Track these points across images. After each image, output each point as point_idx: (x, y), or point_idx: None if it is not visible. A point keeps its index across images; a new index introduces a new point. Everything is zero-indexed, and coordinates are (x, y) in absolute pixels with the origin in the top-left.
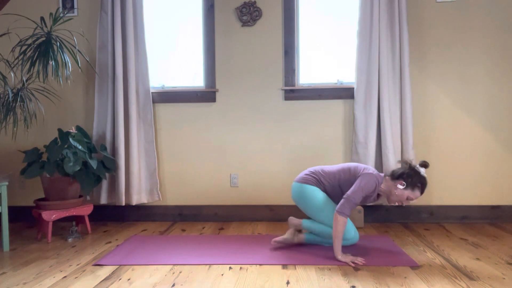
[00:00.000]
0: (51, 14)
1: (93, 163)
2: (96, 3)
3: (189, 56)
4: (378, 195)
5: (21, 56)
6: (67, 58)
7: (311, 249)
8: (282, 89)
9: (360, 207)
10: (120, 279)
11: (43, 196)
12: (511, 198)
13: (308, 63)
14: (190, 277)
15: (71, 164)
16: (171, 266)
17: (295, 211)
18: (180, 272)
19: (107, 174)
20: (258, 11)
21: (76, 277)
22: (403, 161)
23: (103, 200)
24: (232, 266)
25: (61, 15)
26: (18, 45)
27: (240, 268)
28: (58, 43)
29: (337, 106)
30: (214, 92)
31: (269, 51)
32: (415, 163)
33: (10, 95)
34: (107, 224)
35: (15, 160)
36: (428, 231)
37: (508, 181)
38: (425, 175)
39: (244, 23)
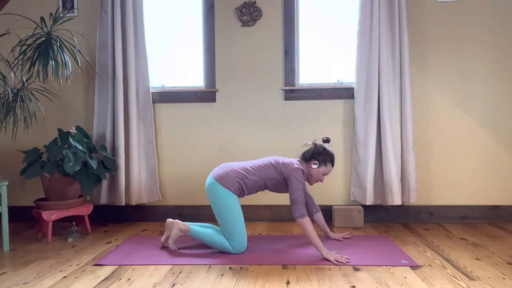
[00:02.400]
0: (51, 14)
1: (93, 163)
2: (96, 3)
3: (189, 56)
4: None
5: (21, 56)
6: (67, 58)
7: (311, 249)
8: (282, 89)
9: (360, 207)
10: (120, 279)
11: (43, 196)
12: (511, 198)
13: (308, 63)
14: (190, 277)
15: (71, 164)
16: (171, 266)
17: None
18: (180, 272)
19: (107, 174)
20: (258, 11)
21: (76, 277)
22: (309, 144)
23: (103, 200)
24: (232, 266)
25: (61, 15)
26: (18, 45)
27: (240, 268)
28: (58, 43)
29: (337, 106)
30: (214, 92)
31: (269, 51)
32: (319, 141)
33: (10, 95)
34: (107, 224)
35: (15, 160)
36: (428, 231)
37: (508, 181)
38: (330, 151)
39: (244, 23)
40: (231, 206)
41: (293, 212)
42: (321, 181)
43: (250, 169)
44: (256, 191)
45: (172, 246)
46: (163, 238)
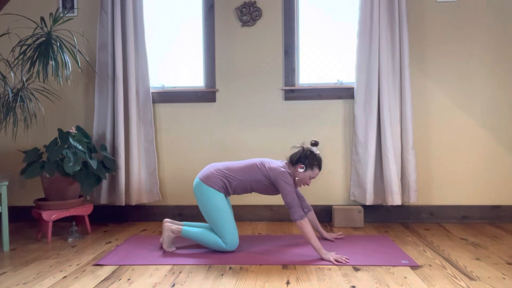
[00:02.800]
0: (51, 14)
1: (93, 163)
2: (96, 3)
3: (189, 56)
4: None
5: (21, 56)
6: (67, 58)
7: (311, 249)
8: (282, 89)
9: (360, 207)
10: (120, 279)
11: (43, 196)
12: (511, 198)
13: (308, 63)
14: (190, 277)
15: (71, 164)
16: (171, 266)
17: None
18: (180, 272)
19: (107, 174)
20: (258, 11)
21: (76, 277)
22: (297, 147)
23: (103, 200)
24: (232, 266)
25: (61, 15)
26: (18, 45)
27: (240, 268)
28: (58, 43)
29: (337, 106)
30: (214, 92)
31: (269, 51)
32: (307, 145)
33: (10, 95)
34: (107, 224)
35: (15, 160)
36: (428, 231)
37: (508, 181)
38: (317, 152)
39: (244, 23)
40: (217, 204)
41: (291, 215)
42: (307, 184)
43: (234, 168)
44: (242, 192)
45: (168, 248)
46: (162, 238)
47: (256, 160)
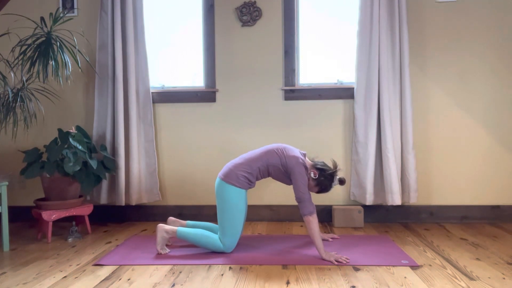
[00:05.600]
0: (51, 14)
1: (93, 163)
2: (96, 3)
3: (189, 56)
4: None
5: (21, 56)
6: (67, 58)
7: (311, 249)
8: (282, 89)
9: (360, 207)
10: (120, 279)
11: (43, 196)
12: (511, 198)
13: (308, 63)
14: (190, 277)
15: (71, 164)
16: (171, 266)
17: (295, 211)
18: (180, 272)
19: (107, 174)
20: (258, 11)
21: (76, 277)
22: (333, 161)
23: (103, 200)
24: (232, 266)
25: (61, 15)
26: (18, 45)
27: (240, 268)
28: (58, 43)
29: (337, 106)
30: (214, 92)
31: (269, 51)
32: (342, 175)
33: (10, 95)
34: (107, 224)
35: (15, 160)
36: (428, 231)
37: (508, 181)
38: (333, 186)
39: (244, 23)
40: (235, 205)
41: (300, 210)
42: None
43: (252, 158)
44: (262, 177)
45: (162, 251)
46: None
47: (274, 145)
